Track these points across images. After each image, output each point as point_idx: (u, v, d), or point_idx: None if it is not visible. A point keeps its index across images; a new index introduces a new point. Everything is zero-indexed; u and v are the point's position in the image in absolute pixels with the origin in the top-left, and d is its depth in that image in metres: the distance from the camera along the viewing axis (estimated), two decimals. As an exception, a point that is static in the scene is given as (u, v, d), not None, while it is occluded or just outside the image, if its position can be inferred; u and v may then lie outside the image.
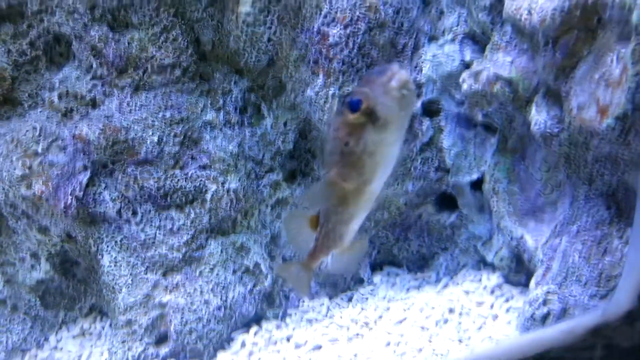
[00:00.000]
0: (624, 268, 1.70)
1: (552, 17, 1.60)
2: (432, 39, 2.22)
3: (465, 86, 1.98)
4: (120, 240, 2.09)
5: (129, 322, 2.07)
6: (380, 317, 2.25)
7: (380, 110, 1.17)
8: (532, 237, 2.06)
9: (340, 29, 2.04)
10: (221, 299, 2.13)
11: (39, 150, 1.95)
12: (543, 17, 1.62)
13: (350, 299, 2.38)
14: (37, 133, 1.96)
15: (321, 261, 1.41)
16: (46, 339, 2.23)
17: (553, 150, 1.84)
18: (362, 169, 1.23)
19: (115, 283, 2.07)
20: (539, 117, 1.80)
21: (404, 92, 1.17)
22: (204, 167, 2.16)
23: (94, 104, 2.08)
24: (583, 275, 1.80)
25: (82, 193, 2.00)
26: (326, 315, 2.31)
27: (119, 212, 2.07)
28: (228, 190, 2.17)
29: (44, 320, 2.25)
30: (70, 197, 1.98)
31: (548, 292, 1.81)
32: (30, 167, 1.94)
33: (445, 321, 2.17)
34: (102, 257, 2.08)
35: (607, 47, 1.60)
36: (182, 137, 2.15)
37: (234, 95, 2.25)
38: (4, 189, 1.99)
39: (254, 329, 2.22)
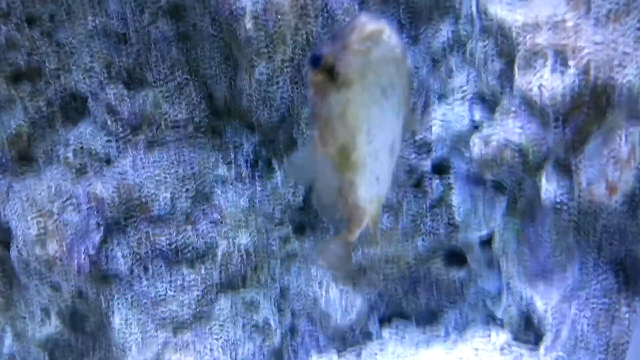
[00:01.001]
0: (632, 340, 1.78)
1: (563, 97, 1.70)
2: (441, 97, 2.31)
3: (475, 150, 2.07)
4: (131, 298, 2.16)
5: (137, 381, 2.14)
6: (389, 374, 2.33)
7: (339, 66, 1.04)
8: (541, 299, 2.14)
9: (352, 91, 2.14)
10: (231, 356, 2.21)
11: (54, 210, 2.04)
12: (553, 97, 1.71)
13: (359, 354, 2.45)
14: (52, 192, 2.05)
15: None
16: (53, 393, 2.30)
17: (563, 218, 1.92)
18: (335, 132, 1.13)
19: (126, 342, 2.14)
20: (549, 187, 1.89)
21: (368, 45, 1.02)
22: (215, 223, 2.25)
23: (108, 160, 2.18)
24: (591, 343, 1.88)
25: (95, 252, 2.08)
26: (335, 371, 2.38)
27: (130, 269, 2.15)
28: (239, 246, 2.26)
29: (52, 375, 2.32)
30: (83, 256, 2.06)
31: (557, 360, 1.90)
32: (45, 227, 2.03)
33: (455, 380, 2.25)
34: (113, 314, 2.15)
35: (616, 125, 1.70)
36: (193, 192, 2.23)
37: (245, 150, 2.34)
38: (17, 247, 2.07)
39: (262, 384, 2.29)
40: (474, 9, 2.13)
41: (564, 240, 2.08)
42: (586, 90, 1.68)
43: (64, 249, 2.03)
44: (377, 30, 1.02)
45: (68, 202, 2.08)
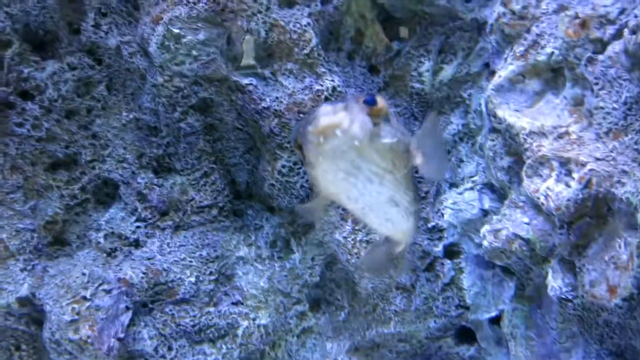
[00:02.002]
0: None
1: (567, 207, 1.87)
2: (452, 185, 2.49)
3: (485, 243, 2.24)
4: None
5: None
6: None
7: (304, 149, 1.21)
8: (547, 382, 2.29)
9: (369, 182, 2.32)
10: None
11: (87, 295, 2.20)
12: (558, 206, 1.89)
13: None
14: (86, 280, 2.22)
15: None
16: None
17: (568, 311, 2.08)
18: (316, 188, 1.32)
19: (150, 418, 2.28)
20: (554, 283, 2.05)
21: (320, 140, 1.16)
22: (236, 304, 2.40)
23: (136, 244, 2.35)
24: None
25: (123, 334, 2.24)
26: None
27: (155, 349, 2.30)
28: (258, 326, 2.41)
29: None
30: (113, 340, 2.21)
31: None
32: (78, 313, 2.18)
33: None
34: (138, 392, 2.29)
35: (616, 233, 1.87)
36: (217, 274, 2.40)
37: (265, 231, 2.51)
38: (51, 329, 2.23)
39: None
40: (483, 108, 2.32)
41: (569, 328, 2.24)
42: (588, 201, 1.86)
43: (95, 333, 2.18)
44: (331, 125, 1.15)
45: (100, 287, 2.24)
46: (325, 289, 2.62)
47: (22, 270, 2.26)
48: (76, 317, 2.19)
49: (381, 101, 1.28)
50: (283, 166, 2.33)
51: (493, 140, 2.28)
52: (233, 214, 2.49)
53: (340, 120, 1.17)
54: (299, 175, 2.37)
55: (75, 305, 2.19)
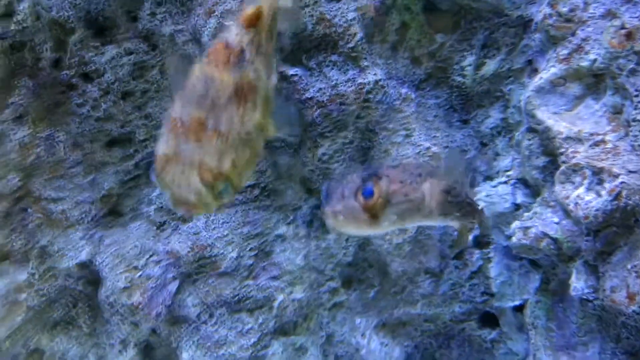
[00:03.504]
0: None
1: (595, 217, 1.96)
2: (487, 178, 2.59)
3: (514, 239, 2.35)
4: (197, 340, 2.55)
5: (200, 410, 2.54)
6: (420, 421, 2.67)
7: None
8: (563, 371, 2.44)
9: (404, 173, 2.44)
10: (280, 395, 2.59)
11: (139, 265, 2.43)
12: (587, 214, 1.98)
13: (393, 399, 2.81)
14: (138, 251, 2.44)
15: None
16: (126, 411, 2.74)
17: (588, 309, 2.20)
18: None
19: (192, 377, 2.55)
20: (577, 284, 2.17)
21: (333, 227, 1.55)
22: (273, 279, 2.61)
23: (184, 219, 2.55)
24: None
25: (170, 301, 2.48)
26: (371, 413, 2.74)
27: (198, 315, 2.54)
28: (293, 300, 2.61)
29: (126, 395, 2.76)
30: (161, 306, 2.45)
31: None
32: (131, 281, 2.43)
33: None
34: (181, 353, 2.55)
35: (641, 244, 1.96)
36: (256, 251, 2.59)
37: (303, 212, 2.68)
38: (106, 292, 2.48)
39: (305, 420, 2.67)
40: (522, 107, 2.38)
41: (589, 324, 2.36)
42: (617, 212, 1.94)
43: (146, 299, 2.43)
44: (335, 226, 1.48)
45: (150, 258, 2.47)
46: (358, 268, 2.79)
47: (81, 238, 2.50)
48: (129, 284, 2.43)
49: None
50: (323, 154, 2.47)
51: (530, 139, 2.35)
52: (274, 194, 2.65)
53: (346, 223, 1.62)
54: (338, 163, 2.50)
55: (129, 274, 2.43)
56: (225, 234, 2.54)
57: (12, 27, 2.24)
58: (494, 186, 2.57)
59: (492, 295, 2.65)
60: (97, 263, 2.51)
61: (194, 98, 1.32)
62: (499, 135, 2.59)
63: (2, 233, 2.40)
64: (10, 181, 2.37)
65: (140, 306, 2.42)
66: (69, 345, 2.62)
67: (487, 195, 2.57)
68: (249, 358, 2.58)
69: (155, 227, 2.55)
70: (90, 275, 2.60)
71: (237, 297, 2.56)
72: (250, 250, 2.58)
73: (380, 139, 2.47)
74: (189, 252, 2.49)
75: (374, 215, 1.64)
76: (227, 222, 2.56)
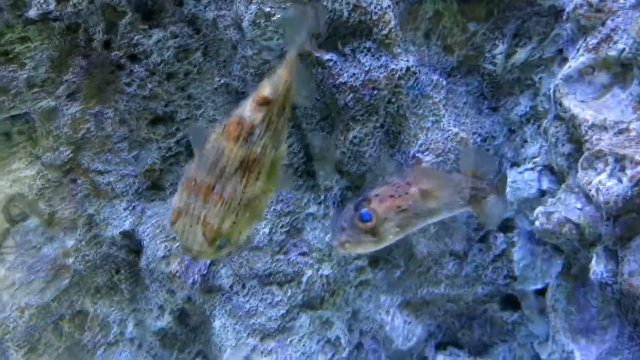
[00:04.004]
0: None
1: (615, 202, 2.03)
2: (514, 164, 2.66)
3: (537, 223, 2.42)
4: (229, 309, 2.71)
5: (231, 375, 2.71)
6: (439, 396, 2.79)
7: None
8: (580, 354, 2.51)
9: (432, 157, 2.54)
10: (306, 365, 2.73)
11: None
12: (607, 200, 2.05)
13: (414, 375, 2.93)
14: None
15: None
16: (161, 373, 2.93)
17: (607, 293, 2.27)
18: None
19: (222, 344, 2.71)
20: (597, 268, 2.24)
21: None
22: (303, 255, 2.74)
23: (220, 195, 2.70)
24: (618, 402, 2.26)
25: (206, 271, 2.64)
26: (392, 387, 2.87)
27: (231, 286, 2.70)
28: (321, 276, 2.75)
29: (161, 359, 2.94)
30: (196, 275, 2.62)
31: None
32: (170, 250, 2.59)
33: (496, 409, 2.68)
34: (214, 320, 2.71)
35: (661, 230, 2.02)
36: (288, 227, 2.73)
37: (334, 192, 2.80)
38: (147, 260, 2.66)
39: (329, 390, 2.81)
40: (551, 94, 2.44)
41: (608, 308, 2.43)
42: (637, 199, 2.00)
43: (183, 268, 2.59)
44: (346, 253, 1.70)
45: (189, 229, 2.64)
46: (384, 249, 2.88)
47: (125, 209, 2.68)
48: (167, 253, 2.60)
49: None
50: (354, 137, 2.58)
51: (557, 127, 2.42)
52: (306, 174, 2.78)
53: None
54: (368, 146, 2.61)
55: (167, 244, 2.60)
56: (259, 210, 2.68)
57: (68, 10, 2.41)
58: (521, 172, 2.65)
59: (514, 278, 2.74)
60: (139, 233, 2.69)
61: (207, 164, 1.53)
62: (527, 123, 2.66)
63: (53, 201, 2.59)
64: (62, 153, 2.56)
65: (177, 274, 2.59)
66: (111, 309, 2.82)
67: (513, 181, 2.65)
68: (277, 328, 2.73)
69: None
70: (132, 244, 2.78)
71: (268, 271, 2.70)
72: (282, 227, 2.72)
73: (410, 123, 2.57)
74: (224, 225, 2.64)
75: (375, 234, 1.87)
76: (261, 199, 2.70)
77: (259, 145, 1.55)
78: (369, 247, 1.92)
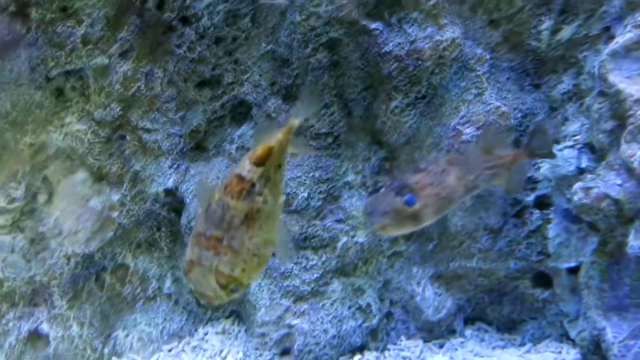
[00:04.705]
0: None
1: (658, 174, 2.03)
2: (553, 142, 2.66)
3: (575, 198, 2.43)
4: (265, 270, 2.78)
5: (262, 335, 2.78)
6: (466, 368, 2.81)
7: None
8: (612, 331, 2.51)
9: (473, 129, 2.56)
10: (336, 329, 2.79)
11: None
12: (650, 172, 2.05)
13: (441, 346, 2.95)
14: (219, 182, 2.68)
15: None
16: (196, 331, 3.02)
17: (643, 270, 2.28)
18: None
19: (257, 303, 2.78)
20: (634, 242, 2.24)
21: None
22: (339, 221, 2.79)
23: (261, 159, 2.76)
24: (649, 379, 2.26)
25: (245, 231, 2.71)
26: (419, 357, 2.90)
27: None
28: (356, 243, 2.79)
29: (196, 315, 3.03)
30: (236, 234, 2.69)
31: (616, 385, 2.31)
32: (212, 208, 2.67)
33: (523, 383, 2.69)
34: (251, 280, 2.78)
35: (703, 205, 2.01)
36: (325, 194, 2.78)
37: (372, 162, 2.84)
38: (188, 217, 2.74)
39: (357, 356, 2.86)
40: (595, 71, 2.44)
41: (643, 286, 2.43)
42: (680, 172, 2.01)
43: (224, 226, 2.67)
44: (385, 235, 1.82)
45: (230, 190, 2.71)
46: (418, 221, 2.94)
47: (169, 167, 2.76)
48: (210, 211, 2.68)
49: None
50: (396, 107, 2.62)
51: (600, 103, 2.42)
52: (345, 143, 2.83)
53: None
54: (409, 117, 2.64)
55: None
56: (298, 175, 2.74)
57: (125, -31, 2.50)
58: (560, 149, 2.65)
59: (548, 255, 2.75)
60: (181, 191, 2.78)
61: (214, 220, 1.66)
62: (569, 101, 2.66)
63: (102, 156, 2.69)
64: (112, 110, 2.65)
65: (218, 232, 2.66)
66: (151, 264, 2.91)
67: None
68: (310, 291, 2.79)
69: (235, 164, 2.78)
70: (175, 203, 2.87)
71: (304, 235, 2.76)
72: (319, 193, 2.77)
73: (452, 95, 2.59)
74: (264, 187, 2.70)
75: (416, 218, 2.03)
76: (300, 165, 2.76)
77: (260, 199, 1.69)
78: (406, 230, 2.13)
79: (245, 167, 1.69)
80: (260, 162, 1.69)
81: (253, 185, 1.67)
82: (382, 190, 2.05)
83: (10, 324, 2.68)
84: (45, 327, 2.72)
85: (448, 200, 2.08)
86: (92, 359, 2.78)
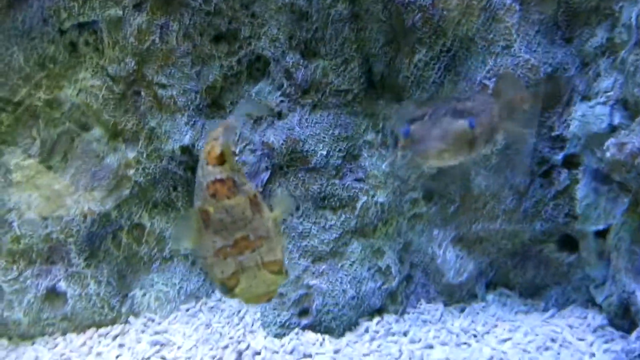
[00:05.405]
0: None
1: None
2: (584, 98, 2.52)
3: (608, 154, 2.30)
4: (283, 229, 2.70)
5: (280, 295, 2.71)
6: (488, 332, 2.72)
7: None
8: (643, 295, 2.41)
9: (500, 84, 2.43)
10: (355, 290, 2.71)
11: (237, 151, 2.59)
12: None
13: (462, 310, 2.87)
14: (236, 138, 2.60)
15: None
16: (213, 292, 2.97)
17: (678, 230, 2.16)
18: None
19: (276, 263, 2.71)
20: (670, 201, 2.12)
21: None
22: (359, 180, 2.70)
23: (279, 115, 2.67)
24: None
25: (262, 189, 2.63)
26: (439, 320, 2.82)
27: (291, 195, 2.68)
28: (376, 203, 2.70)
29: (213, 276, 2.98)
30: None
31: (645, 349, 2.20)
32: (229, 165, 2.59)
33: (546, 348, 2.59)
34: (268, 240, 2.71)
35: None
36: (345, 152, 2.68)
37: (392, 121, 2.73)
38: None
39: (376, 319, 2.79)
40: (632, 21, 2.29)
41: (676, 249, 2.31)
42: None
43: (241, 184, 2.59)
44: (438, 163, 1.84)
45: (247, 146, 2.63)
46: (440, 183, 2.83)
47: (185, 123, 2.68)
48: (227, 168, 2.60)
49: None
50: (419, 60, 2.49)
51: (637, 55, 2.27)
52: (366, 101, 2.72)
53: None
54: (433, 71, 2.52)
55: (227, 158, 2.59)
56: (317, 132, 2.64)
57: None
58: (591, 106, 2.51)
59: (575, 217, 2.63)
60: (197, 148, 2.70)
61: (226, 226, 1.61)
62: (602, 56, 2.51)
63: (117, 112, 2.62)
64: (127, 64, 2.56)
65: (236, 189, 2.59)
66: (167, 224, 2.85)
67: (583, 115, 2.52)
68: (329, 252, 2.71)
69: (252, 121, 2.68)
70: (191, 161, 2.79)
71: (322, 194, 2.68)
72: (339, 151, 2.67)
73: (478, 48, 2.46)
74: (282, 144, 2.61)
75: (472, 146, 1.82)
76: (320, 123, 2.66)
77: (247, 186, 1.70)
78: (459, 159, 1.84)
79: (216, 171, 1.69)
80: (221, 161, 1.71)
81: (232, 179, 1.68)
82: (429, 116, 1.82)
83: (28, 282, 2.65)
84: (62, 284, 2.68)
85: (491, 133, 1.91)
86: (110, 317, 2.75)
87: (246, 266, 1.58)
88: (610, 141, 2.32)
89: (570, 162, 2.58)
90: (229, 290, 1.61)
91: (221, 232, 1.61)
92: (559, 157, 2.57)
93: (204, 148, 1.79)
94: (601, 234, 2.64)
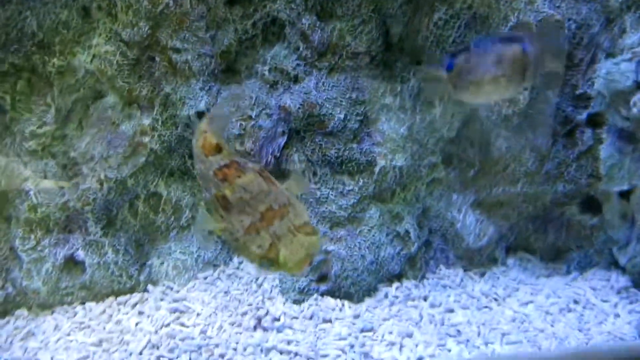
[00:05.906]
0: None
1: None
2: (609, 55, 2.44)
3: (635, 110, 2.23)
4: (300, 195, 2.65)
5: (299, 261, 2.68)
6: (509, 295, 2.68)
7: None
8: (669, 255, 2.35)
9: (522, 41, 2.34)
10: (374, 256, 2.67)
11: (253, 115, 2.53)
12: None
13: (482, 275, 2.82)
14: (253, 102, 2.54)
15: None
16: (231, 260, 2.93)
17: None
18: None
19: (294, 229, 2.67)
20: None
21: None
22: (376, 144, 2.64)
23: (296, 79, 2.60)
24: None
25: (279, 153, 2.58)
26: (459, 285, 2.78)
27: (303, 171, 2.63)
28: (394, 167, 2.65)
29: (231, 244, 2.94)
30: (270, 156, 2.56)
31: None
32: (244, 129, 2.54)
33: (569, 310, 2.55)
34: (287, 206, 2.67)
35: None
36: (362, 116, 2.62)
37: (411, 84, 2.66)
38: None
39: (395, 284, 2.75)
40: (661, -29, 2.20)
41: None
42: None
43: (257, 147, 2.54)
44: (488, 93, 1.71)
45: (263, 110, 2.57)
46: (460, 146, 2.77)
47: (200, 89, 2.62)
48: (242, 131, 2.55)
49: None
50: (439, 19, 2.42)
51: (665, 7, 2.19)
52: (383, 64, 2.65)
53: None
54: (453, 30, 2.44)
55: (243, 122, 2.54)
56: (334, 96, 2.58)
57: None
58: (616, 63, 2.43)
59: (599, 178, 2.57)
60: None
61: (248, 203, 1.64)
62: (628, 11, 2.42)
63: (132, 78, 2.56)
64: (141, 29, 2.50)
65: (252, 153, 2.54)
66: (184, 193, 2.81)
67: (607, 72, 2.44)
68: (347, 217, 2.67)
69: (268, 85, 2.62)
70: (212, 127, 2.74)
71: (340, 159, 2.62)
72: (356, 115, 2.61)
73: (500, 5, 2.38)
74: (299, 108, 2.56)
75: (524, 76, 1.67)
76: (336, 86, 2.59)
77: (250, 164, 1.74)
78: (511, 91, 1.72)
79: (217, 159, 1.74)
80: (218, 150, 1.77)
81: (235, 161, 1.72)
82: (474, 46, 1.67)
83: (46, 251, 2.63)
84: (80, 253, 2.66)
85: (535, 68, 1.73)
86: (129, 285, 2.72)
87: (280, 234, 1.58)
88: (637, 97, 2.25)
89: (595, 121, 2.51)
90: (272, 263, 1.60)
91: (245, 209, 1.62)
92: (582, 116, 2.50)
93: (195, 143, 1.83)
94: (625, 195, 2.58)
